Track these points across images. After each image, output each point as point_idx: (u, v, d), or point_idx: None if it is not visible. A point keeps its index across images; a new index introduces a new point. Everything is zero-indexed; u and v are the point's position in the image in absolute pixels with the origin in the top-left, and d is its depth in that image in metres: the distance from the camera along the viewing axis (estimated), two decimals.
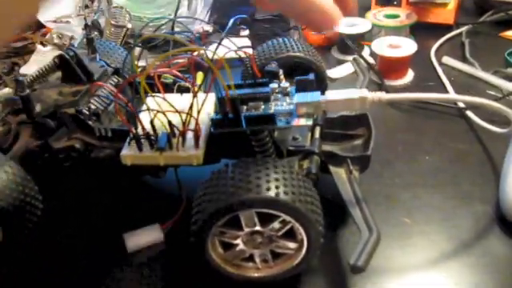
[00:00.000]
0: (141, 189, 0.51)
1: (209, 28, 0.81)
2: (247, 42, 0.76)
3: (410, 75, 0.67)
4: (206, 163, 0.41)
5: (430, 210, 0.46)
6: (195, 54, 0.57)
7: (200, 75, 0.49)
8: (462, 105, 0.59)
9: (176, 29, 0.77)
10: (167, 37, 0.68)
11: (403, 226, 0.45)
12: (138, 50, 0.70)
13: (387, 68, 0.66)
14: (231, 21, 0.43)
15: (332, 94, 0.39)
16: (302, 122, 0.39)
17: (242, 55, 0.48)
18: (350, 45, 0.70)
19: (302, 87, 0.42)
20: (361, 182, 0.42)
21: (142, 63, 0.70)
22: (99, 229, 0.47)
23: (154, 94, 0.40)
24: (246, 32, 0.80)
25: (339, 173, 0.42)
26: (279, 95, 0.42)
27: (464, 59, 0.70)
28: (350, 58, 0.66)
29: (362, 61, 0.59)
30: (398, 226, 0.45)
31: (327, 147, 0.44)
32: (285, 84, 0.42)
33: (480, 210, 0.46)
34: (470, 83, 0.66)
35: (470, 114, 0.57)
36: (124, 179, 0.49)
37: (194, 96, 0.38)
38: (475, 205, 0.46)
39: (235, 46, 0.46)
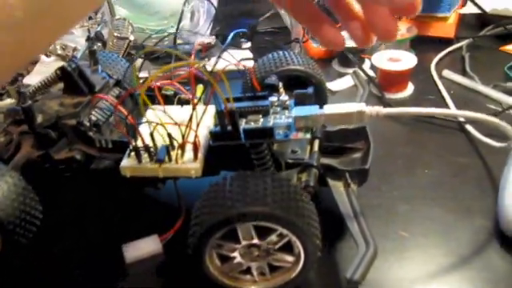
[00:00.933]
0: (140, 200, 0.51)
1: (211, 40, 0.81)
2: (249, 54, 0.77)
3: (410, 88, 0.68)
4: (205, 175, 0.41)
5: (429, 224, 0.46)
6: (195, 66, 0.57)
7: (200, 88, 0.49)
8: (461, 118, 0.59)
9: (178, 41, 0.78)
10: (167, 51, 0.68)
11: (401, 240, 0.45)
12: (139, 61, 0.70)
13: (387, 81, 0.66)
14: (230, 35, 0.43)
15: (330, 108, 0.39)
16: (301, 135, 0.39)
17: (242, 68, 0.49)
18: (350, 58, 0.71)
19: (300, 101, 0.42)
20: (359, 195, 0.42)
21: (144, 74, 0.71)
22: (98, 240, 0.47)
23: (153, 107, 0.40)
24: (248, 44, 0.80)
25: (337, 186, 0.43)
26: (278, 108, 0.42)
27: (464, 73, 0.71)
28: (351, 70, 0.67)
29: (362, 74, 0.60)
30: (396, 239, 0.45)
31: (326, 160, 0.44)
32: (284, 97, 0.42)
33: (479, 224, 0.46)
34: (469, 97, 0.66)
35: (469, 127, 0.58)
36: (123, 190, 0.49)
37: (194, 109, 0.38)
38: (474, 219, 0.46)
39: (236, 58, 0.46)
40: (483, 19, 0.83)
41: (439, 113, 0.47)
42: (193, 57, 0.45)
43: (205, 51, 0.74)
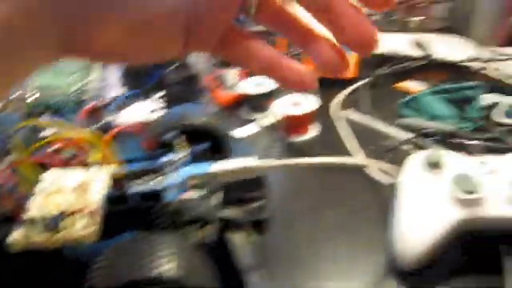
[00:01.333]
0: (41, 270, 0.49)
1: (121, 91, 0.81)
2: (157, 105, 0.77)
3: (313, 131, 0.71)
4: (104, 239, 0.41)
5: (332, 266, 0.48)
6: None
7: (97, 150, 0.49)
8: (359, 160, 0.62)
9: (86, 96, 0.77)
10: (52, 124, 0.67)
11: (306, 285, 0.46)
12: (43, 119, 0.69)
13: (291, 125, 0.69)
14: (126, 94, 0.44)
15: (222, 165, 0.40)
16: (194, 193, 0.40)
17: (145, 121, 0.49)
18: (255, 104, 0.73)
19: (197, 157, 0.43)
20: (262, 244, 0.43)
21: (48, 132, 0.69)
22: None
23: (48, 172, 0.40)
24: (157, 95, 0.81)
25: (237, 238, 0.43)
26: (173, 166, 0.42)
27: (363, 112, 0.75)
28: (256, 117, 0.69)
29: (267, 119, 0.62)
30: (301, 285, 0.46)
31: (226, 213, 0.45)
32: (179, 155, 0.43)
33: (379, 260, 0.48)
34: (368, 135, 0.70)
35: (366, 167, 0.61)
36: (20, 264, 0.47)
37: (87, 172, 0.38)
38: (376, 256, 0.48)
39: (142, 112, 0.47)
40: (380, 59, 0.89)
41: (331, 162, 0.49)
42: (84, 118, 0.44)
43: (95, 112, 0.72)
